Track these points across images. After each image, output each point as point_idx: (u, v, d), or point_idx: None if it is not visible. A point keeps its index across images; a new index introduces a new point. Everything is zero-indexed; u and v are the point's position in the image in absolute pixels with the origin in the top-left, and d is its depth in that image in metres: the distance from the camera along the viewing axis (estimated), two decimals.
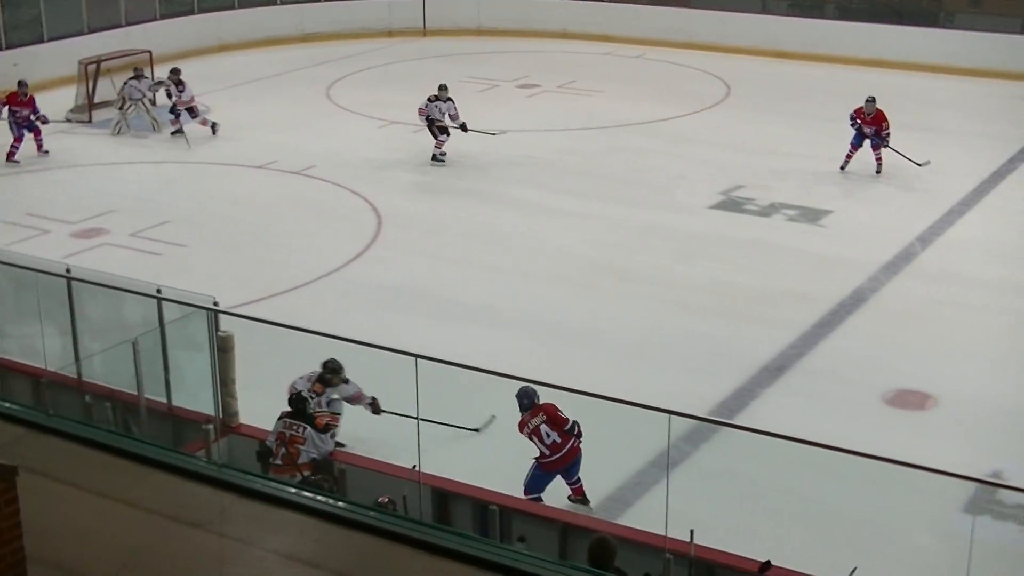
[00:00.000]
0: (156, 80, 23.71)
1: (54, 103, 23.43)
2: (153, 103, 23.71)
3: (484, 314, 15.04)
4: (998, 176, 20.55)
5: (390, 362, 10.47)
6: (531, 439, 10.67)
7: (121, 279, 11.55)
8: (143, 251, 17.06)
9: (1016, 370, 13.70)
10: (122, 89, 23.54)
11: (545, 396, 10.68)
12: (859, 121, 20.36)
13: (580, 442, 10.60)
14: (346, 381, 11.39)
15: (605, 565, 7.90)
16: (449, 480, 10.31)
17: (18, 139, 21.24)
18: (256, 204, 19.38)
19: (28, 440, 6.24)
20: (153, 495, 5.83)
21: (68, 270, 11.66)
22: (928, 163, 20.34)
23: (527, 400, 10.67)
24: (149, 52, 25.84)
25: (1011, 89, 26.50)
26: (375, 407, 11.37)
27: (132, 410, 11.09)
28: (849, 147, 20.58)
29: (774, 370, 13.56)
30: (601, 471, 10.83)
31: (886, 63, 28.01)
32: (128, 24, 28.76)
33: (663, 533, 8.92)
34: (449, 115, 20.90)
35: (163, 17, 30.06)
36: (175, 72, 23.10)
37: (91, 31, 27.87)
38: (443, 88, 21.11)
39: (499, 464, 11.45)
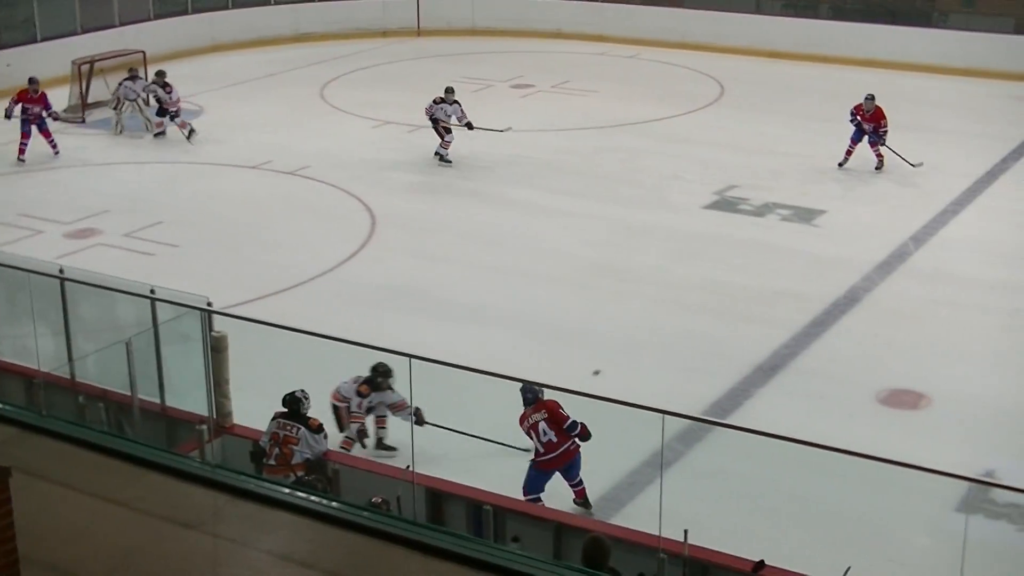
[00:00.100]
0: (151, 80, 23.63)
1: None
2: (147, 103, 23.67)
3: (478, 314, 15.04)
4: (991, 176, 20.57)
5: (386, 362, 10.52)
6: (528, 434, 10.67)
7: (114, 279, 11.53)
8: (136, 251, 17.04)
9: (1010, 369, 13.72)
10: (117, 90, 23.51)
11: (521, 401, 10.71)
12: (859, 117, 20.46)
13: (578, 444, 10.58)
14: (391, 388, 11.47)
15: (599, 565, 7.90)
16: (443, 480, 10.31)
17: (25, 135, 21.24)
18: (250, 204, 19.37)
19: (21, 440, 6.23)
20: (147, 496, 5.82)
21: (61, 271, 11.64)
22: (921, 164, 20.38)
23: (531, 395, 10.67)
24: (143, 52, 25.82)
25: (1005, 89, 26.52)
26: (419, 418, 11.32)
27: (125, 411, 11.07)
28: (849, 143, 20.68)
29: (768, 370, 13.57)
30: (595, 471, 10.82)
31: (880, 63, 28.03)
32: (122, 24, 28.69)
33: (657, 533, 8.91)
34: (456, 117, 20.84)
35: (157, 17, 30.00)
36: (160, 75, 23.04)
37: (84, 31, 27.82)
38: (450, 91, 21.06)
39: (493, 464, 11.47)
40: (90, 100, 24.65)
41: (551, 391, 10.67)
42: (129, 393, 10.99)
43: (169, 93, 22.66)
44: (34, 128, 21.27)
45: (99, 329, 11.86)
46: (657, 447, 9.74)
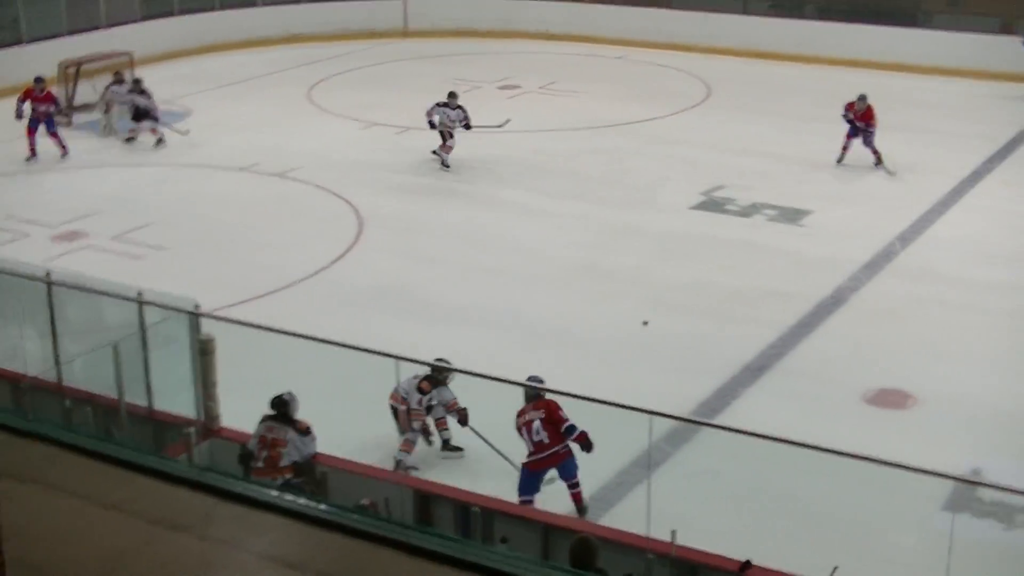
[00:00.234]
0: (128, 89, 23.38)
1: None
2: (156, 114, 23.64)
3: (466, 315, 15.06)
4: (977, 175, 20.64)
5: (373, 364, 10.52)
6: (520, 431, 10.67)
7: (102, 282, 11.52)
8: (124, 254, 17.04)
9: (996, 368, 13.77)
10: (104, 94, 23.47)
11: (516, 397, 10.71)
12: (851, 113, 20.67)
13: (570, 448, 10.56)
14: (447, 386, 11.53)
15: (587, 565, 7.92)
16: (431, 482, 10.32)
17: (31, 131, 21.25)
18: (238, 206, 19.37)
19: (8, 444, 6.23)
20: (135, 499, 5.82)
21: (48, 274, 11.62)
22: (895, 174, 20.47)
23: (533, 391, 10.69)
24: (130, 54, 25.78)
25: (989, 89, 26.63)
26: (463, 417, 11.46)
27: (113, 414, 11.06)
28: (844, 139, 20.87)
29: (755, 370, 13.61)
30: (583, 471, 10.84)
31: (866, 63, 28.11)
32: (109, 25, 28.60)
33: (645, 533, 8.94)
34: (459, 122, 20.74)
35: (144, 19, 29.92)
36: (137, 82, 22.96)
37: (71, 33, 27.72)
38: (453, 95, 20.97)
39: (481, 466, 11.50)
40: (77, 102, 24.62)
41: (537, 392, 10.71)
42: (116, 396, 10.98)
43: (149, 99, 22.60)
44: (42, 127, 21.26)
45: (86, 332, 11.85)
46: (644, 448, 9.78)
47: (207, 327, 10.79)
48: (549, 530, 9.64)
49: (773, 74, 28.61)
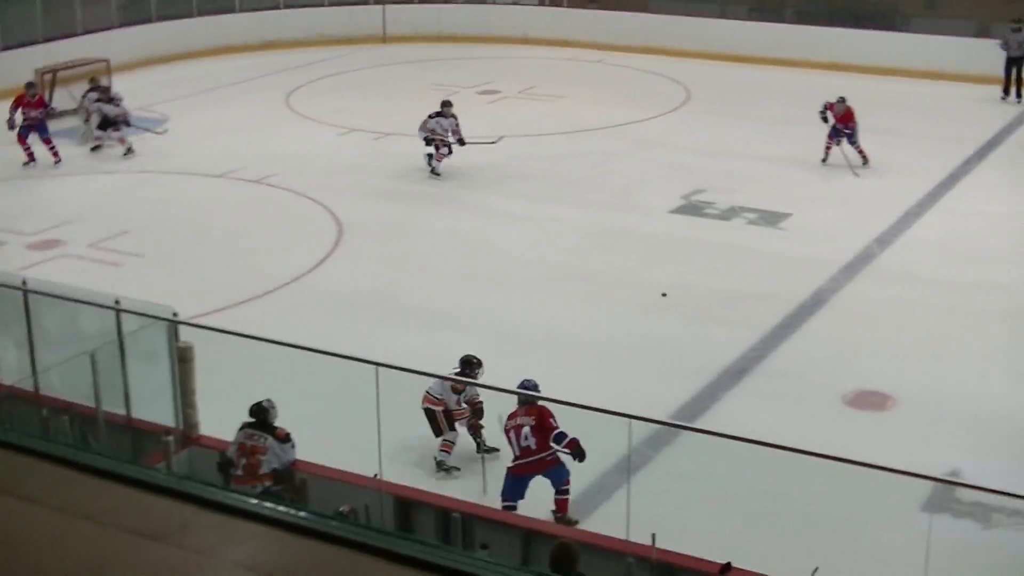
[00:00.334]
0: (95, 98, 23.14)
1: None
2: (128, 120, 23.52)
3: (447, 320, 15.04)
4: (954, 178, 20.73)
5: (352, 371, 10.49)
6: (508, 435, 10.64)
7: (79, 291, 11.48)
8: (102, 262, 16.96)
9: (975, 370, 13.80)
10: (82, 102, 23.37)
11: (504, 401, 10.69)
12: (829, 112, 20.92)
13: (557, 456, 10.51)
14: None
15: (567, 571, 7.92)
16: (411, 488, 10.30)
17: (22, 139, 21.19)
18: (216, 213, 19.32)
19: None
20: (113, 508, 5.77)
21: (24, 283, 11.57)
22: (859, 176, 20.70)
23: (525, 396, 10.70)
24: (107, 61, 25.70)
25: (966, 91, 26.75)
26: (478, 411, 11.61)
27: (90, 423, 11.02)
28: (826, 139, 21.09)
29: (735, 372, 13.63)
30: None
31: (844, 66, 28.21)
32: (85, 32, 28.47)
33: (625, 537, 8.94)
34: (451, 131, 20.65)
35: (121, 25, 29.78)
36: (105, 91, 22.81)
37: (47, 40, 27.56)
38: (448, 104, 20.88)
39: (461, 471, 11.49)
40: (54, 109, 24.47)
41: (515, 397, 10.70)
42: (94, 405, 10.93)
43: (117, 105, 22.42)
44: (34, 135, 21.23)
45: (63, 341, 11.80)
46: (624, 452, 9.78)
47: (185, 335, 10.76)
48: (530, 536, 9.64)
49: (752, 77, 28.68)
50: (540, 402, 10.60)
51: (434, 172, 20.69)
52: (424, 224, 18.66)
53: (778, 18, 31.11)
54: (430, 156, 20.73)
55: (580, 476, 10.97)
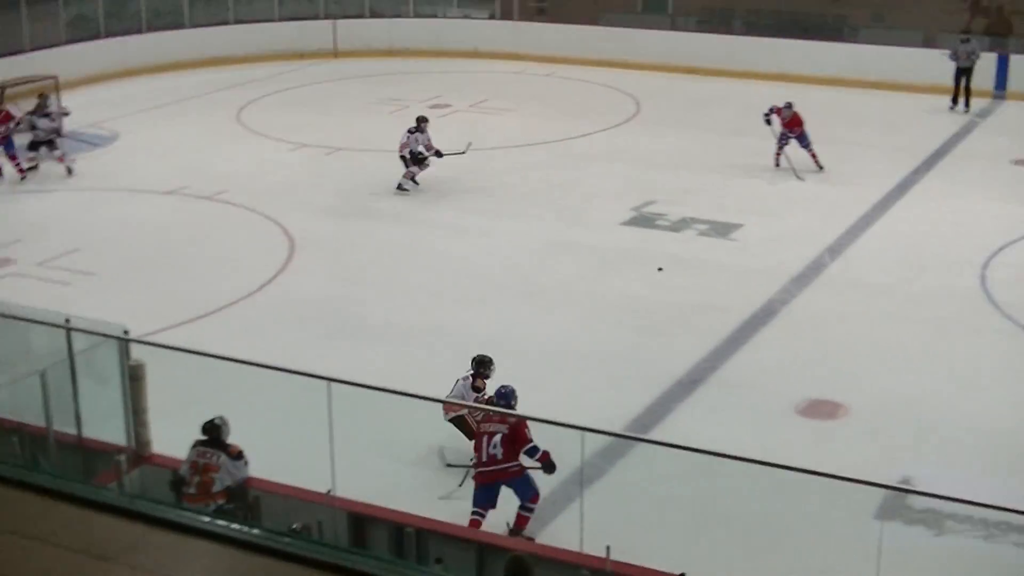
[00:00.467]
0: (30, 110, 22.89)
1: None
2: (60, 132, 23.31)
3: (400, 334, 15.03)
4: (903, 187, 20.92)
5: (305, 386, 10.47)
6: (477, 439, 10.60)
7: (28, 310, 11.38)
8: (51, 280, 16.82)
9: (924, 377, 13.92)
10: (29, 119, 23.10)
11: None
12: (775, 115, 21.29)
13: (524, 467, 10.49)
14: None
15: None
16: (364, 504, 10.28)
17: None
18: (166, 230, 19.21)
19: None
20: (63, 529, 5.74)
21: None
22: (804, 180, 20.99)
23: (503, 402, 10.70)
24: (55, 78, 25.52)
25: (915, 101, 27.03)
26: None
27: (41, 443, 10.92)
28: (776, 146, 21.48)
29: (688, 383, 13.68)
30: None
31: (793, 77, 28.39)
32: (32, 49, 28.27)
33: (579, 549, 8.95)
34: (424, 145, 20.61)
35: (69, 42, 29.58)
36: (41, 104, 22.46)
37: None
38: (424, 120, 20.86)
39: (414, 486, 11.47)
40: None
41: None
42: (45, 425, 10.83)
43: (53, 119, 22.09)
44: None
45: (13, 361, 11.69)
46: (578, 464, 9.80)
47: (137, 353, 10.69)
48: (484, 549, 9.63)
49: (702, 89, 28.86)
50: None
51: (413, 181, 20.66)
52: (375, 239, 18.64)
53: (727, 29, 31.33)
54: (414, 172, 20.68)
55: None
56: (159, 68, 30.69)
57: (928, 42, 28.95)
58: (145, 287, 16.64)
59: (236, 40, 32.08)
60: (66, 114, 23.12)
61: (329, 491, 9.85)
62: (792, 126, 21.28)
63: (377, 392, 10.44)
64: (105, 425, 10.89)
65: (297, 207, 19.97)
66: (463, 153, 21.12)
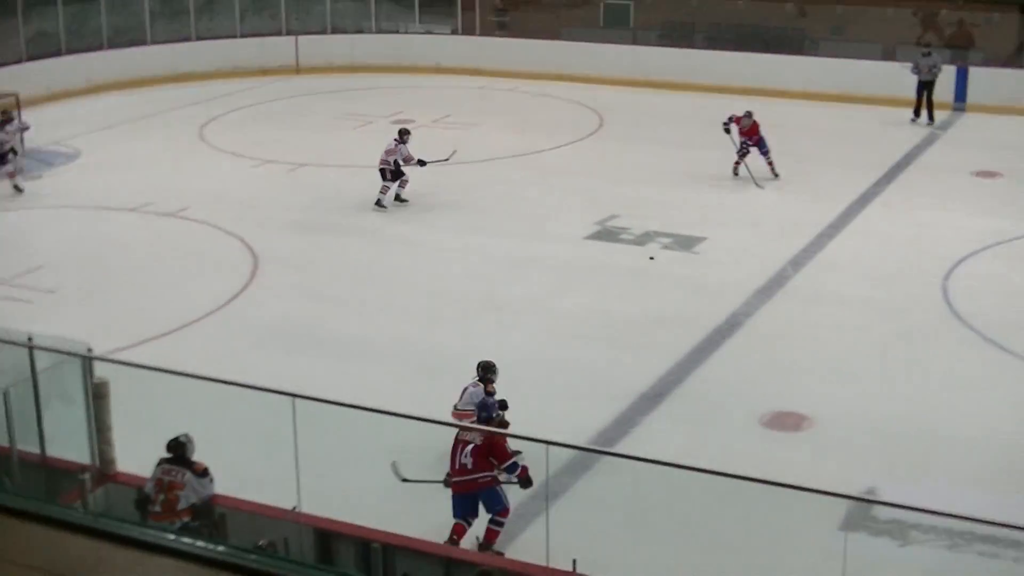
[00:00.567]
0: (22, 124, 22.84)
1: None
2: (21, 147, 23.13)
3: (364, 350, 15.01)
4: (865, 199, 21.06)
5: (269, 403, 10.45)
6: (454, 448, 10.61)
7: None
8: (13, 299, 16.70)
9: (888, 388, 14.00)
10: None
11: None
12: (734, 125, 21.65)
13: (496, 479, 10.48)
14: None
15: None
16: (330, 520, 10.25)
17: None
18: (130, 247, 19.12)
19: None
20: (27, 548, 5.70)
21: None
22: (763, 188, 21.31)
23: (485, 413, 10.80)
24: (16, 95, 25.35)
25: (875, 114, 27.21)
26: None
27: (4, 462, 10.84)
28: (736, 155, 21.83)
29: (653, 397, 13.72)
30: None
31: (754, 90, 28.49)
32: None
33: (546, 564, 8.96)
34: (404, 157, 20.57)
35: (30, 59, 29.42)
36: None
37: None
38: (407, 132, 20.88)
39: (380, 501, 11.43)
40: None
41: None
42: (8, 444, 10.76)
43: (8, 134, 21.55)
44: None
45: None
46: (542, 478, 9.81)
47: (101, 370, 10.64)
48: (451, 564, 9.63)
49: (663, 103, 28.98)
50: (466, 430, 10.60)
51: (379, 204, 20.58)
52: (339, 255, 18.62)
53: (689, 44, 31.47)
54: (389, 187, 20.64)
55: None
56: (121, 85, 30.56)
57: (887, 55, 29.22)
58: (109, 304, 16.56)
59: (198, 56, 31.98)
60: (26, 128, 22.87)
61: (295, 507, 9.82)
62: (750, 134, 21.65)
63: (342, 407, 10.43)
64: (69, 443, 10.83)
65: (261, 223, 19.92)
66: (447, 161, 21.11)
